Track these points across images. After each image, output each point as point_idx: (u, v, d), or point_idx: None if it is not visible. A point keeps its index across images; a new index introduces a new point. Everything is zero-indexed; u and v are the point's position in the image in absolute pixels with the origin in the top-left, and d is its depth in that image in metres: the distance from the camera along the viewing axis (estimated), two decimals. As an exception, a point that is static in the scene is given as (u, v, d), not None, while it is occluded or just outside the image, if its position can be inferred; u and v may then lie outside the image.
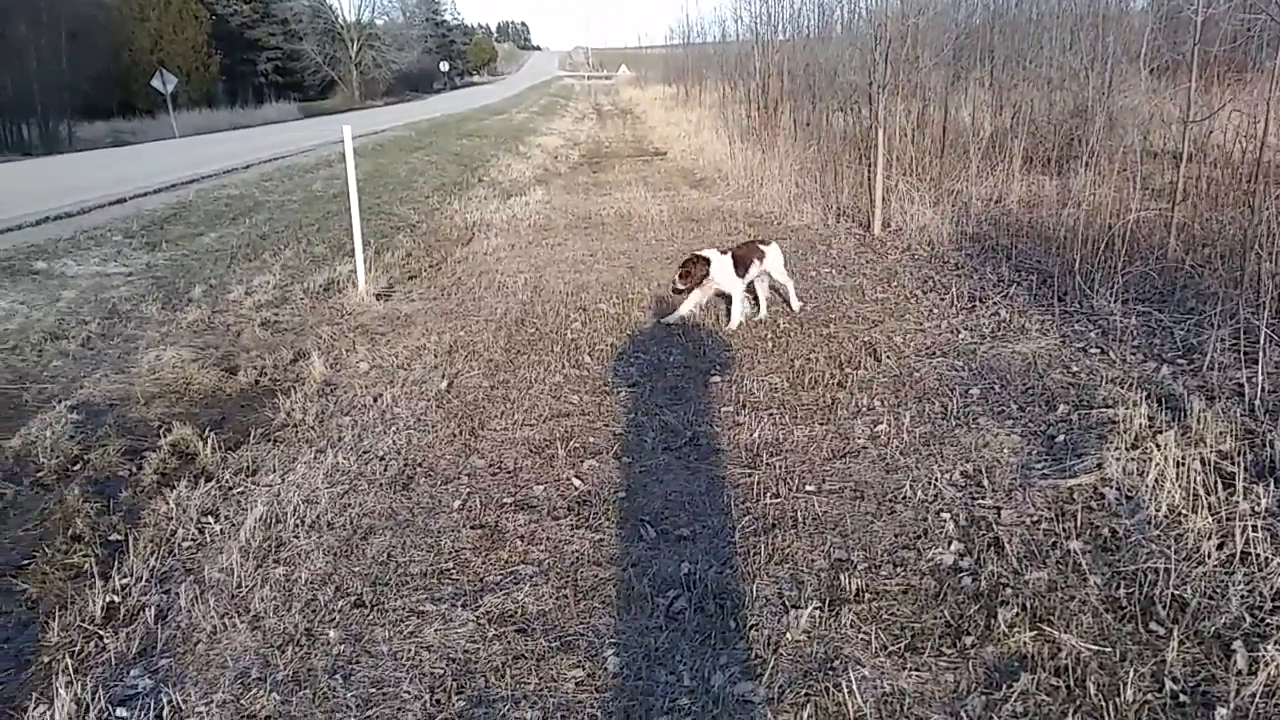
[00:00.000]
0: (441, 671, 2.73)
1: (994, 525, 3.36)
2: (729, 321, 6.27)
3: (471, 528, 3.61)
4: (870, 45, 9.34)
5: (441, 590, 3.17)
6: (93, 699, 2.62)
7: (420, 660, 2.78)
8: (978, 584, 2.99)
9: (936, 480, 3.76)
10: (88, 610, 3.11)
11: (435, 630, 2.92)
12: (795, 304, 6.55)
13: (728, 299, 6.33)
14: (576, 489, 3.92)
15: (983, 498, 3.59)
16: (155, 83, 31.99)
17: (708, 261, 6.08)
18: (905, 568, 3.14)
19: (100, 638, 2.98)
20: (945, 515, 3.46)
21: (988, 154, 10.22)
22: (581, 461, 4.20)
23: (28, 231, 10.83)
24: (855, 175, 10.50)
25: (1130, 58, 10.02)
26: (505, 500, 3.85)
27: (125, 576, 3.33)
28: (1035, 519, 3.39)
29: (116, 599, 3.19)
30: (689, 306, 6.32)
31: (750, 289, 6.44)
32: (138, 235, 10.43)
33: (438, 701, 2.60)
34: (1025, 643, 2.66)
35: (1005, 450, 4.01)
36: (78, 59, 32.26)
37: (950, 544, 3.25)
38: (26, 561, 3.53)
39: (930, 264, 7.64)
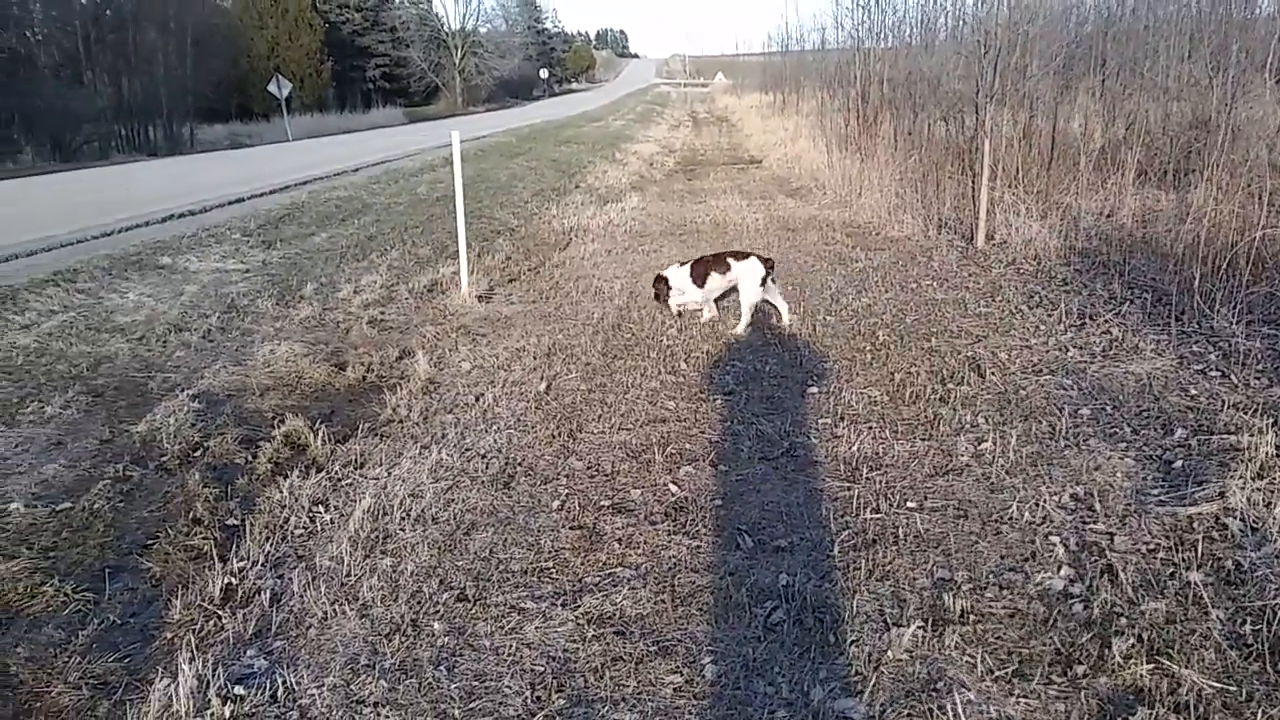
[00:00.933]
0: (542, 669, 2.77)
1: (1107, 552, 3.24)
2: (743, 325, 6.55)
3: (570, 528, 3.67)
4: (979, 53, 9.12)
5: (541, 588, 3.23)
6: (213, 675, 2.75)
7: (521, 656, 2.84)
8: (1090, 612, 2.89)
9: (1044, 502, 3.64)
10: (207, 590, 3.26)
11: (536, 628, 2.98)
12: (786, 319, 6.54)
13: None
14: (673, 495, 3.93)
15: (1094, 522, 3.47)
16: (271, 88, 33.50)
17: (665, 280, 6.76)
18: (1012, 591, 3.05)
19: (219, 617, 3.12)
20: (1054, 539, 3.36)
21: (1098, 166, 9.87)
22: (678, 467, 4.21)
23: (154, 228, 11.46)
24: (958, 186, 10.28)
25: (1255, 67, 9.56)
26: (603, 503, 3.89)
27: (242, 560, 3.48)
28: (1151, 547, 3.26)
29: (234, 581, 3.34)
30: (706, 313, 6.77)
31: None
32: (254, 234, 10.92)
33: (538, 699, 2.65)
34: (1142, 675, 2.56)
35: (1118, 474, 3.87)
36: (201, 64, 34.02)
37: (1060, 569, 3.15)
38: (151, 541, 3.73)
39: (1036, 279, 7.42)
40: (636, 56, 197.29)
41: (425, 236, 10.68)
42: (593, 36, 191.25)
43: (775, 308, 6.62)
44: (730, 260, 6.52)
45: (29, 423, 5.04)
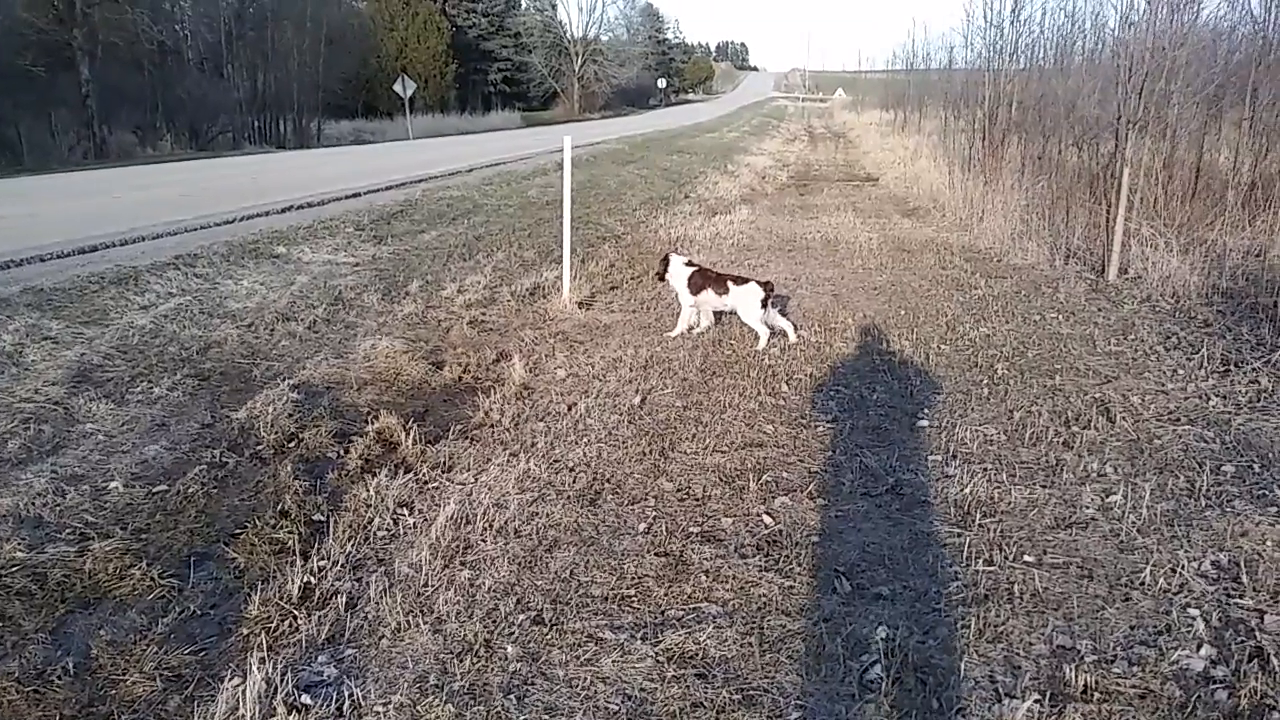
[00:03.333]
0: (616, 708, 2.60)
1: (1256, 632, 2.88)
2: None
3: (656, 554, 3.49)
4: (1120, 77, 8.58)
5: (621, 618, 3.05)
6: (281, 680, 2.67)
7: (595, 692, 2.67)
8: (1236, 701, 2.55)
9: (1182, 568, 3.28)
10: (286, 588, 3.20)
11: (613, 661, 2.80)
12: (761, 345, 6.36)
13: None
14: (767, 527, 3.71)
15: (1240, 596, 3.10)
16: (397, 87, 34.53)
17: (668, 262, 6.73)
18: (1143, 668, 2.73)
19: (294, 617, 3.06)
20: (1193, 611, 3.01)
21: (1246, 202, 9.18)
22: (773, 497, 3.99)
23: (274, 218, 11.80)
24: (1089, 215, 9.71)
25: None
26: (692, 530, 3.70)
27: (323, 559, 3.43)
28: (1309, 632, 2.88)
29: (312, 580, 3.28)
30: (684, 320, 6.72)
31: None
32: (367, 229, 11.11)
33: (610, 740, 2.48)
34: (1300, 787, 2.23)
35: (1268, 542, 3.47)
36: (332, 62, 35.47)
37: (1199, 647, 2.81)
38: (238, 531, 3.71)
39: (1174, 318, 6.89)
40: (756, 69, 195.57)
41: (532, 240, 10.69)
42: (713, 48, 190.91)
43: (782, 330, 6.57)
44: (730, 284, 6.50)
45: (137, 402, 5.16)
